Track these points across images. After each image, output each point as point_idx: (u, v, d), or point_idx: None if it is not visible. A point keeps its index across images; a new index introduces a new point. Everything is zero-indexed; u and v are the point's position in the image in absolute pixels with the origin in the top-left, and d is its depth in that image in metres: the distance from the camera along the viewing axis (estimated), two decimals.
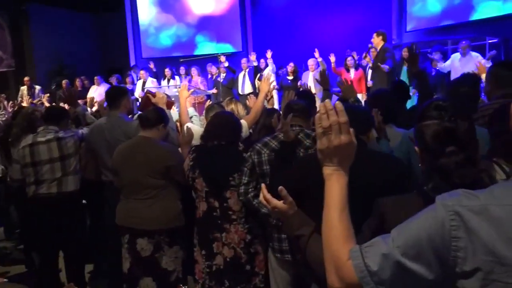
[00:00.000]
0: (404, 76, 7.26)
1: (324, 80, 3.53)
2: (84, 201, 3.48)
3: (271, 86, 3.69)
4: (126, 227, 2.73)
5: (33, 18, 12.03)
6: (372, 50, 7.28)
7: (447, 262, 0.83)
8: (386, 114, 2.59)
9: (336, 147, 1.02)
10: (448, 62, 7.06)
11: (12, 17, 11.96)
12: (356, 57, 7.97)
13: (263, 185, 1.28)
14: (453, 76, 6.93)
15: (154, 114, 2.81)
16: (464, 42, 6.86)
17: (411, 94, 7.08)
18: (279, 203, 1.24)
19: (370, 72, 7.57)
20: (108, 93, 3.33)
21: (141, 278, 2.71)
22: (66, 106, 5.03)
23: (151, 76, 9.53)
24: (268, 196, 1.26)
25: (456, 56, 7.01)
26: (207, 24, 11.67)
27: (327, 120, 1.02)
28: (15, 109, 4.58)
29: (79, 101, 9.28)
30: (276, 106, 7.32)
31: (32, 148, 3.13)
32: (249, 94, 8.64)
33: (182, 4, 11.75)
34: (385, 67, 6.83)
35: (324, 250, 1.00)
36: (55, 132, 3.16)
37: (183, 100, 3.63)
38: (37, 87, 10.08)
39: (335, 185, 1.04)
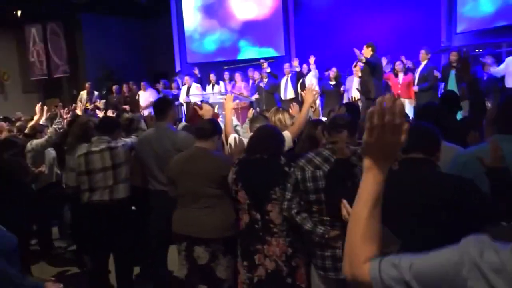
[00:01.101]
0: (452, 81, 7.01)
1: (366, 88, 3.46)
2: (133, 207, 3.62)
3: (315, 97, 3.67)
4: (184, 234, 2.81)
5: (85, 26, 12.68)
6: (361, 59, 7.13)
7: None
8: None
9: (385, 144, 0.99)
10: (502, 66, 6.72)
11: (66, 25, 12.67)
12: (405, 61, 7.74)
13: (344, 202, 1.28)
14: (508, 80, 6.59)
15: (210, 126, 2.91)
16: None
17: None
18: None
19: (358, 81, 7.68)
20: (155, 105, 3.47)
21: (197, 286, 2.80)
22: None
23: (195, 82, 9.74)
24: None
25: (511, 59, 6.65)
26: (250, 29, 11.80)
27: (380, 118, 0.98)
28: (69, 116, 4.84)
29: (125, 106, 9.77)
30: (318, 105, 7.28)
31: (87, 157, 3.31)
32: (291, 99, 8.66)
33: (225, 9, 11.95)
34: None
35: (346, 239, 1.02)
36: (107, 142, 3.33)
37: (228, 111, 3.69)
38: (96, 93, 10.62)
39: (371, 180, 1.01)
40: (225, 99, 3.95)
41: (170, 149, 3.23)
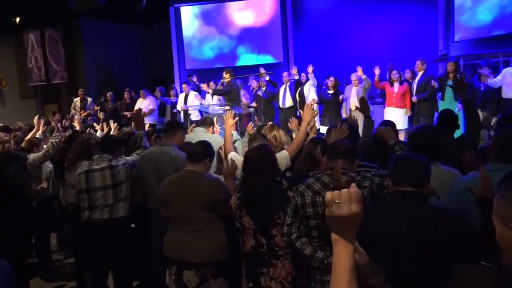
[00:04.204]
0: (448, 92, 7.05)
1: (365, 106, 3.48)
2: (132, 225, 3.63)
3: (314, 114, 3.68)
4: (174, 258, 2.82)
5: (83, 33, 12.68)
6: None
7: None
8: (430, 153, 2.53)
9: (344, 216, 1.02)
10: (499, 77, 6.76)
11: (65, 31, 12.66)
12: (400, 73, 7.79)
13: None
14: (505, 91, 6.64)
15: (201, 149, 2.90)
16: None
17: (456, 109, 6.92)
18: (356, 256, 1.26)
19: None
20: (167, 123, 3.57)
21: None
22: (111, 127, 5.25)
23: (193, 90, 9.74)
24: None
25: (508, 70, 6.70)
26: (248, 36, 11.84)
27: (338, 194, 1.03)
28: (67, 127, 4.85)
29: (126, 113, 9.76)
30: (316, 118, 7.31)
31: (88, 175, 3.32)
32: (289, 107, 8.68)
33: (224, 16, 11.98)
34: None
35: None
36: (108, 160, 3.34)
37: (228, 128, 3.70)
38: (89, 99, 10.58)
39: (343, 253, 1.04)
40: (226, 116, 3.97)
41: (171, 168, 3.24)
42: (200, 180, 2.80)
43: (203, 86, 8.28)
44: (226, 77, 8.09)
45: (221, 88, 8.41)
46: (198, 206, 2.74)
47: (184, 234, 2.78)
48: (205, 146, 2.94)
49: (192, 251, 2.73)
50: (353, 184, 1.04)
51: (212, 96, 9.16)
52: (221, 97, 8.59)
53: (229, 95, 8.07)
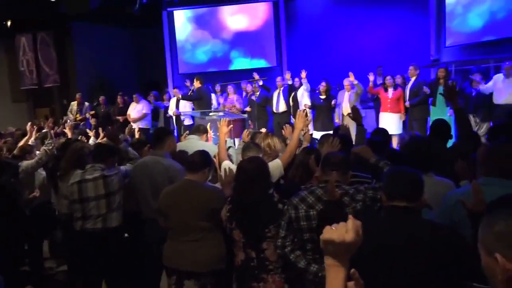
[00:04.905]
0: (439, 97, 7.12)
1: (357, 115, 3.51)
2: (126, 235, 3.62)
3: (306, 122, 3.69)
4: (174, 268, 2.82)
5: (76, 36, 12.59)
6: None
7: None
8: (424, 164, 2.56)
9: (340, 243, 1.04)
10: (490, 83, 6.83)
11: (57, 35, 12.58)
12: (394, 78, 7.84)
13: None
14: (496, 97, 6.71)
15: (200, 158, 2.91)
16: (508, 63, 6.61)
17: (448, 115, 6.99)
18: (350, 284, 1.27)
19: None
20: (154, 132, 3.51)
21: None
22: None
23: (185, 94, 9.71)
24: None
25: (499, 77, 6.77)
26: (242, 40, 11.85)
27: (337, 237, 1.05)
28: (59, 133, 4.81)
29: (119, 117, 9.71)
30: (310, 125, 7.35)
31: (80, 185, 3.30)
32: (283, 112, 8.71)
33: (217, 20, 11.99)
34: None
35: None
36: (101, 170, 3.33)
37: (222, 136, 3.71)
38: (86, 104, 10.52)
39: (335, 280, 1.06)
40: (220, 122, 3.97)
41: (164, 178, 3.24)
42: (200, 189, 2.81)
43: (174, 91, 8.40)
44: (196, 84, 8.43)
45: (192, 94, 8.66)
46: (198, 215, 2.74)
47: (184, 243, 2.78)
48: (204, 155, 2.95)
49: (192, 261, 2.73)
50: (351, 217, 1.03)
51: (178, 102, 9.20)
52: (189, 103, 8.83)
53: (199, 102, 8.40)
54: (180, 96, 8.89)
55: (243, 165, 2.62)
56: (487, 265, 1.01)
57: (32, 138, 5.01)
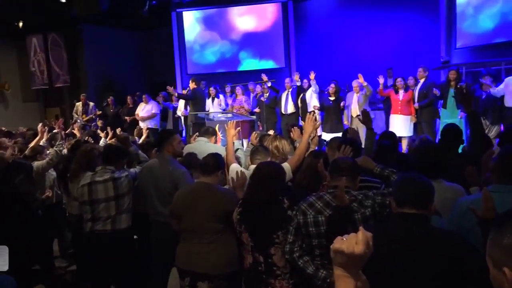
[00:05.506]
0: (450, 100, 7.06)
1: (367, 119, 3.49)
2: (135, 236, 3.64)
3: (316, 126, 3.68)
4: (187, 270, 2.82)
5: (86, 37, 12.73)
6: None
7: None
8: (434, 170, 2.54)
9: (349, 254, 1.03)
10: (501, 86, 6.74)
11: (67, 36, 12.72)
12: (404, 79, 7.80)
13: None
14: (508, 100, 6.63)
15: (213, 161, 2.93)
16: None
17: (458, 118, 6.92)
18: None
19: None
20: (158, 135, 3.51)
21: None
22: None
23: None
24: None
25: (511, 79, 6.68)
26: (250, 41, 11.87)
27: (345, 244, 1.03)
28: (68, 134, 4.85)
29: (127, 117, 9.78)
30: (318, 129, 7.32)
31: (90, 187, 3.33)
32: (291, 113, 8.70)
33: (226, 21, 12.02)
34: None
35: None
36: (111, 172, 3.36)
37: (230, 138, 3.72)
38: (91, 104, 10.60)
39: None
40: (227, 125, 3.99)
41: (168, 181, 3.26)
42: (213, 191, 2.83)
43: (169, 89, 8.46)
44: (191, 85, 8.70)
45: (187, 94, 8.89)
46: (211, 217, 2.76)
47: (197, 246, 2.79)
48: (217, 158, 2.99)
49: (205, 263, 2.74)
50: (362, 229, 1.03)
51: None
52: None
53: (194, 102, 8.57)
54: (176, 94, 9.03)
55: (261, 167, 2.66)
56: (495, 278, 1.01)
57: (44, 139, 5.06)
